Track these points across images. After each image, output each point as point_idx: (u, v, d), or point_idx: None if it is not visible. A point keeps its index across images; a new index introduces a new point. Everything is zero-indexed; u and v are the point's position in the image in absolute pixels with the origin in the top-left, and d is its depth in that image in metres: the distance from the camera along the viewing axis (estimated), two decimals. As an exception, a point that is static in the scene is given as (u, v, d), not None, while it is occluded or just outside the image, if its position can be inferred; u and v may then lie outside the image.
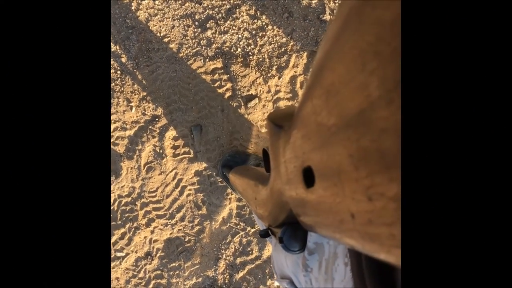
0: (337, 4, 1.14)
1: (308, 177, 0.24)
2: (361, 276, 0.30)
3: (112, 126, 1.18)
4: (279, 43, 1.16)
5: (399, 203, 0.15)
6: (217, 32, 1.17)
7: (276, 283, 0.59)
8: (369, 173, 0.17)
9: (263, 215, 0.48)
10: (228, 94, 1.18)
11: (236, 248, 1.20)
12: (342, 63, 0.18)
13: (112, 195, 1.19)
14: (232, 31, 1.17)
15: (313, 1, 1.14)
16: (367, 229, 0.18)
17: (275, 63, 1.17)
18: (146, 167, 1.19)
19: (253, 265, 1.20)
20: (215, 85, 1.18)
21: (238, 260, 1.20)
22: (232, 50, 1.17)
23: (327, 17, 1.15)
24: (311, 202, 0.25)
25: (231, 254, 1.20)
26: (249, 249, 1.20)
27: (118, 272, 1.22)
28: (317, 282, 0.43)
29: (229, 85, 1.18)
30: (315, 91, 0.21)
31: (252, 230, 1.20)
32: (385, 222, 0.17)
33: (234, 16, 1.16)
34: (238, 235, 1.20)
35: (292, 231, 0.39)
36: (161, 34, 1.16)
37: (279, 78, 1.17)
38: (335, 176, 0.20)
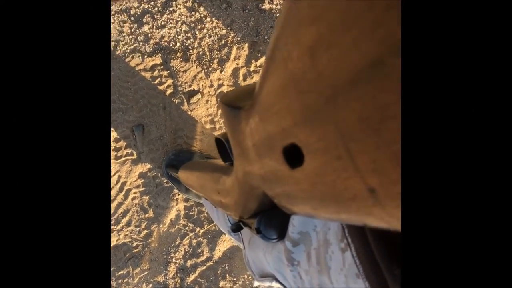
0: (276, -8, 1.10)
1: (291, 156, 0.21)
2: (370, 259, 0.26)
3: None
4: (219, 35, 1.12)
5: None
6: (154, 27, 1.12)
7: (256, 284, 0.55)
8: (395, 133, 0.13)
9: (230, 206, 0.45)
10: (169, 90, 1.13)
11: (186, 250, 1.16)
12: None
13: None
14: (170, 25, 1.12)
15: (252, -9, 1.10)
16: (396, 202, 0.15)
17: (216, 56, 1.13)
18: (87, 172, 1.13)
19: (204, 267, 1.16)
20: (156, 82, 1.13)
21: (189, 262, 1.16)
22: (171, 45, 1.12)
23: (266, 6, 1.11)
24: (299, 183, 0.21)
25: (181, 257, 1.16)
26: (199, 250, 1.16)
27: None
28: (307, 275, 0.39)
29: (170, 81, 1.13)
30: (290, 54, 0.17)
31: (202, 230, 1.16)
32: None
33: (171, 9, 1.12)
34: (187, 237, 1.16)
35: (267, 219, 0.38)
36: (94, 31, 1.11)
37: (221, 71, 1.13)
38: (338, 148, 0.16)
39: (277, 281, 0.49)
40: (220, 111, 1.14)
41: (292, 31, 0.17)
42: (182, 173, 0.76)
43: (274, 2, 1.11)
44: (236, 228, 0.43)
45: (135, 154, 1.13)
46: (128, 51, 1.12)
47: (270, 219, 0.38)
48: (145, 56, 1.12)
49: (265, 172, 0.26)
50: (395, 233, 0.24)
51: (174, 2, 1.11)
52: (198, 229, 1.15)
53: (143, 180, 1.14)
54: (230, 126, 0.29)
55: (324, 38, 0.15)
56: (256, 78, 1.13)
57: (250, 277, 1.17)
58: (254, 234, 0.42)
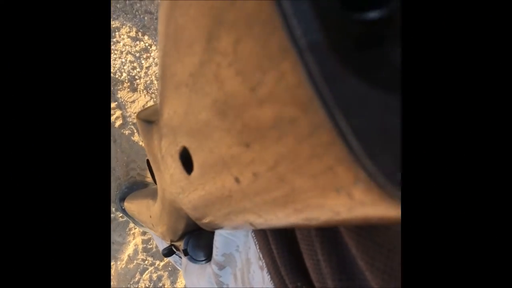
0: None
1: (189, 163, 0.20)
2: (277, 272, 0.26)
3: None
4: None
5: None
6: (98, 59, 1.10)
7: None
8: (237, 114, 0.13)
9: (162, 232, 0.43)
10: (118, 122, 1.11)
11: (147, 286, 1.11)
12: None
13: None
14: (115, 56, 1.10)
15: (195, 17, 1.10)
16: (254, 187, 0.14)
17: (164, 84, 1.11)
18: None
19: (167, 302, 1.12)
20: (103, 114, 1.10)
21: (150, 298, 1.11)
22: (117, 76, 1.11)
23: (211, 31, 1.11)
24: (196, 189, 0.20)
25: (141, 293, 1.11)
26: (160, 284, 1.12)
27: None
28: None
29: (118, 112, 1.11)
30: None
31: (162, 263, 1.12)
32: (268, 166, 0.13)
33: (114, 40, 1.10)
34: (147, 272, 1.11)
35: (195, 240, 0.37)
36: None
37: (170, 99, 1.12)
38: (207, 139, 0.16)
39: None
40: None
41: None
42: (126, 203, 0.74)
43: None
44: (167, 253, 0.41)
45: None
46: (73, 85, 1.09)
47: (197, 240, 0.37)
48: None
49: (175, 186, 0.25)
50: (296, 242, 0.23)
51: (117, 33, 1.10)
52: (157, 262, 1.12)
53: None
54: (145, 140, 0.29)
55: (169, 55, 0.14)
56: (206, 103, 1.12)
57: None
58: (182, 257, 0.40)
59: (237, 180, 0.14)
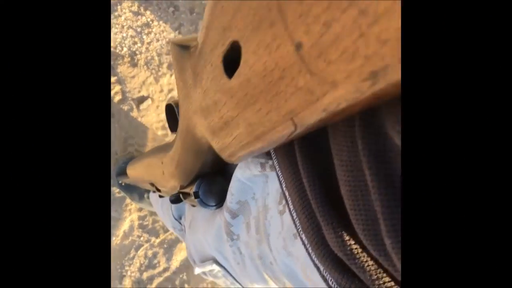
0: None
1: (229, 68, 0.20)
2: (308, 212, 0.24)
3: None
4: (167, 39, 1.10)
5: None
6: (99, 32, 1.09)
7: (197, 271, 0.52)
8: None
9: (171, 177, 0.43)
10: (117, 97, 1.10)
11: (142, 262, 1.11)
12: None
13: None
14: (116, 30, 1.09)
15: (198, -6, 1.10)
16: (322, 57, 0.14)
17: (165, 60, 1.11)
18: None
19: (161, 278, 1.11)
20: (102, 89, 1.09)
21: (145, 275, 1.11)
22: (117, 50, 1.09)
23: (214, 8, 1.11)
24: (236, 94, 0.20)
25: (136, 269, 1.10)
26: (155, 261, 1.11)
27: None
28: (247, 248, 0.36)
29: (117, 87, 1.10)
30: None
31: (157, 240, 1.11)
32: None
33: (115, 13, 1.09)
34: (142, 248, 1.11)
35: (207, 184, 0.37)
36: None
37: (171, 76, 1.11)
38: (271, 12, 0.15)
39: (218, 263, 0.46)
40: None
41: None
42: (129, 168, 0.73)
43: (222, 5, 1.10)
44: (175, 199, 0.41)
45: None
46: (73, 58, 1.08)
47: (210, 185, 0.37)
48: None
49: (207, 104, 0.24)
50: (338, 189, 0.22)
51: (118, 7, 1.09)
52: (153, 239, 1.11)
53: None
54: (178, 65, 0.28)
55: None
56: (207, 81, 1.12)
57: (209, 285, 1.13)
58: (193, 204, 0.40)
59: (298, 45, 0.14)
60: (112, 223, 1.10)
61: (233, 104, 0.21)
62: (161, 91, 1.11)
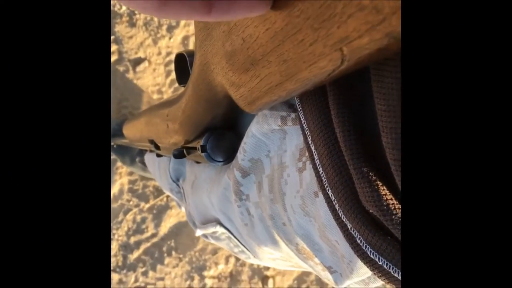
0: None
1: None
2: (335, 161, 0.23)
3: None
4: None
5: None
6: (98, -12, 1.05)
7: (199, 232, 0.51)
8: None
9: (177, 130, 0.41)
10: (114, 57, 1.07)
11: (130, 226, 1.09)
12: None
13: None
14: (115, -13, 1.05)
15: (203, -45, 1.06)
16: None
17: (165, 22, 1.07)
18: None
19: (149, 244, 1.10)
20: (98, 47, 1.06)
21: (132, 239, 1.09)
22: (115, 9, 1.06)
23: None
24: (275, 22, 0.18)
25: (124, 233, 1.09)
26: (143, 226, 1.10)
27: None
28: (257, 209, 0.35)
29: (114, 47, 1.07)
30: None
31: (147, 206, 1.10)
32: None
33: (116, -30, 1.05)
34: (131, 212, 1.09)
35: (216, 139, 0.35)
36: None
37: (170, 38, 1.08)
38: None
39: (221, 225, 0.45)
40: (168, 81, 1.09)
41: None
42: (126, 127, 0.71)
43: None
44: (178, 154, 0.39)
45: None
46: (69, 13, 1.04)
47: (218, 139, 0.35)
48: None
49: (232, 42, 0.23)
50: (373, 141, 0.21)
51: (120, -37, 1.05)
52: (142, 204, 1.09)
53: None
54: None
55: None
56: (206, 47, 1.09)
57: (197, 253, 1.12)
58: (199, 161, 0.38)
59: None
60: (102, 185, 1.08)
61: (268, 37, 0.19)
62: (159, 53, 1.08)
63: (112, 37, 1.06)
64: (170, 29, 1.08)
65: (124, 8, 1.06)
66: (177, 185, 0.61)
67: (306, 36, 0.17)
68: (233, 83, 0.25)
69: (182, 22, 1.08)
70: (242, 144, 0.33)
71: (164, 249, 1.10)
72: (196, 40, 0.29)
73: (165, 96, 1.09)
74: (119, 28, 1.06)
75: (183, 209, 0.90)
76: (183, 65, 0.38)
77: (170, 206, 1.10)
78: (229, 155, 0.35)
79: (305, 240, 0.30)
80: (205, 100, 0.31)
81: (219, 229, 0.45)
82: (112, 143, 1.04)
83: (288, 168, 0.29)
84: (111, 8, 1.05)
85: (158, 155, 0.56)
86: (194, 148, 0.37)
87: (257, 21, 0.20)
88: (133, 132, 0.64)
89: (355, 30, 0.14)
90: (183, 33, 1.08)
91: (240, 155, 0.34)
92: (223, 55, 0.25)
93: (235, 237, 0.43)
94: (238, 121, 0.36)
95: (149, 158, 0.78)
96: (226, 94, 0.28)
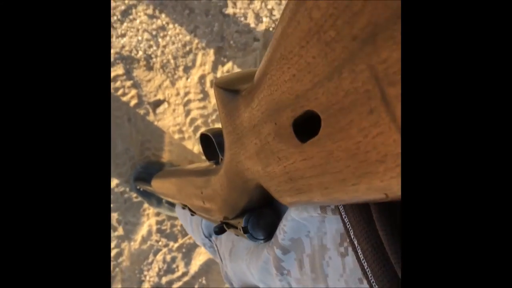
0: (239, -4, 1.09)
1: (300, 130, 0.19)
2: (381, 259, 0.23)
3: None
4: (182, 42, 1.09)
5: None
6: (114, 36, 1.08)
7: None
8: None
9: (213, 208, 0.42)
10: (133, 101, 1.09)
11: (160, 267, 1.11)
12: None
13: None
14: (131, 34, 1.08)
15: (214, -5, 1.08)
16: None
17: (181, 63, 1.09)
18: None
19: (180, 283, 1.11)
20: (119, 93, 1.08)
21: (164, 279, 1.11)
22: (133, 54, 1.08)
23: (229, 10, 1.09)
24: (310, 158, 0.19)
25: (155, 274, 1.10)
26: (174, 266, 1.11)
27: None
28: (299, 284, 0.36)
29: (133, 91, 1.09)
30: (317, 2, 0.15)
31: (176, 245, 1.11)
32: None
33: (130, 17, 1.08)
34: (160, 253, 1.10)
35: (255, 218, 0.36)
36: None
37: (187, 79, 1.10)
38: (371, 99, 0.14)
39: None
40: (188, 120, 1.11)
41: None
42: (155, 182, 0.72)
43: (238, 6, 1.09)
44: (219, 230, 0.40)
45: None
46: (88, 62, 1.07)
47: (258, 219, 0.36)
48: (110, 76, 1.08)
49: (267, 155, 0.23)
50: None
51: (133, 10, 1.08)
52: (171, 243, 1.11)
53: (110, 197, 1.08)
54: (226, 110, 0.27)
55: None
56: (223, 84, 1.10)
57: (229, 289, 1.13)
58: (239, 235, 0.39)
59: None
60: (130, 228, 1.10)
61: (305, 166, 0.20)
62: (177, 94, 1.10)
63: (131, 82, 1.09)
64: (187, 69, 1.10)
65: (141, 52, 1.08)
66: (210, 240, 0.62)
67: (348, 178, 0.17)
68: (271, 187, 0.26)
69: (198, 62, 1.10)
70: (281, 226, 0.34)
71: (196, 287, 1.11)
72: (225, 138, 0.30)
73: (186, 136, 1.11)
74: (137, 73, 1.09)
75: (217, 259, 0.91)
76: (209, 142, 0.39)
77: (198, 244, 1.11)
78: (269, 233, 0.36)
79: None
80: (241, 189, 0.32)
81: None
82: (138, 187, 1.06)
83: (330, 251, 0.30)
84: (128, 53, 1.08)
85: (192, 214, 0.58)
86: (235, 226, 0.38)
87: (292, 148, 0.20)
88: (163, 190, 0.65)
89: (397, 186, 0.15)
90: (199, 72, 1.10)
91: (280, 235, 0.34)
92: (258, 162, 0.25)
93: None
94: (274, 199, 0.37)
95: (180, 211, 0.79)
96: (261, 186, 0.29)
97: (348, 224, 0.25)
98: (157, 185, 0.70)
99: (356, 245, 0.24)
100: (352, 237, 0.25)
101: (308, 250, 0.33)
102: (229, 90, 0.26)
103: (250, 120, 0.24)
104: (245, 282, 0.49)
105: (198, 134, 1.11)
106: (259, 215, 0.36)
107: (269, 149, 0.23)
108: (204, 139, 0.39)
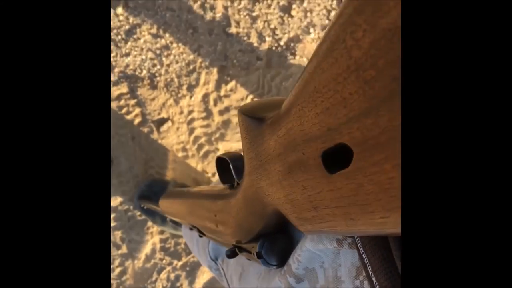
0: (241, 16, 1.10)
1: (328, 161, 0.20)
2: None
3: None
4: (186, 61, 1.10)
5: None
6: (119, 55, 1.09)
7: None
8: None
9: (226, 231, 0.42)
10: (137, 120, 1.10)
11: (164, 285, 1.10)
12: None
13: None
14: (135, 53, 1.09)
15: (217, 15, 1.10)
16: None
17: (185, 82, 1.10)
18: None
19: (184, 301, 1.11)
20: (123, 111, 1.09)
21: (168, 298, 1.10)
22: (137, 73, 1.09)
23: (233, 29, 1.10)
24: (338, 190, 0.19)
25: (159, 293, 1.10)
26: (178, 284, 1.11)
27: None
28: None
29: (137, 110, 1.10)
30: (358, 42, 0.15)
31: (180, 263, 1.11)
32: None
33: (135, 36, 1.09)
34: (164, 271, 1.10)
35: (269, 244, 0.36)
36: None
37: (190, 97, 1.11)
38: None
39: None
40: (192, 138, 1.11)
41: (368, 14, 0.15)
42: (163, 202, 0.72)
43: (241, 26, 1.10)
44: (231, 254, 0.40)
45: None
46: (92, 81, 1.08)
47: (272, 244, 0.36)
48: (110, 85, 1.09)
49: (290, 184, 0.24)
50: None
51: (138, 29, 1.09)
52: (175, 262, 1.10)
53: (114, 215, 1.08)
54: (249, 137, 0.28)
55: None
56: (227, 103, 1.11)
57: (233, 308, 1.12)
58: (251, 260, 0.39)
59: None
60: (134, 246, 1.10)
61: (331, 196, 0.20)
62: (181, 112, 1.11)
63: (135, 100, 1.10)
64: (190, 88, 1.11)
65: (145, 71, 1.09)
66: (216, 263, 0.62)
67: (377, 211, 0.18)
68: (291, 214, 0.26)
69: (201, 81, 1.11)
70: (295, 255, 0.34)
71: (200, 305, 1.11)
72: (246, 164, 0.30)
73: (190, 154, 1.11)
74: (141, 91, 1.10)
75: (223, 282, 0.91)
76: (224, 165, 0.40)
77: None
78: (283, 259, 0.36)
79: None
80: (259, 214, 0.32)
81: None
82: (142, 205, 1.06)
83: (344, 284, 0.30)
84: (132, 72, 1.09)
85: (201, 236, 0.58)
86: (247, 250, 0.38)
87: (319, 178, 0.21)
88: (171, 211, 0.66)
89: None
90: (203, 91, 1.11)
91: (294, 264, 0.35)
92: (279, 189, 0.26)
93: None
94: (289, 225, 0.37)
95: (185, 232, 0.79)
96: (279, 212, 0.29)
97: (366, 259, 0.25)
98: (165, 205, 0.71)
99: (374, 281, 0.25)
100: (370, 272, 0.25)
101: (322, 281, 0.33)
102: (254, 117, 0.27)
103: (276, 148, 0.24)
104: None
105: (201, 153, 1.11)
106: (273, 240, 0.36)
107: (292, 177, 0.23)
108: (220, 163, 0.40)
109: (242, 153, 0.30)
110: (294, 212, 0.25)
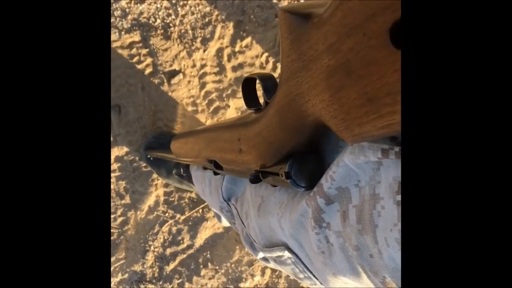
0: (262, -30, 1.07)
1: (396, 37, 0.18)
2: None
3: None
4: (202, 13, 1.07)
5: None
6: (133, 2, 1.06)
7: (261, 255, 0.52)
8: None
9: (249, 159, 0.41)
10: (148, 70, 1.07)
11: (165, 238, 1.10)
12: None
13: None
14: (150, 0, 1.06)
15: (237, -33, 1.06)
16: None
17: (199, 34, 1.08)
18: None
19: (184, 255, 1.10)
20: (134, 60, 1.07)
21: (168, 251, 1.10)
22: (150, 21, 1.07)
23: (253, -16, 1.07)
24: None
25: (159, 245, 1.10)
26: (179, 238, 1.10)
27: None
28: (339, 238, 0.34)
29: (149, 60, 1.07)
30: None
31: (182, 217, 1.10)
32: None
33: (151, -17, 1.06)
34: (166, 224, 1.10)
35: (298, 164, 0.35)
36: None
37: (204, 51, 1.08)
38: None
39: (289, 250, 0.45)
40: (203, 93, 1.09)
41: None
42: (176, 142, 0.71)
43: (260, -20, 1.07)
44: (254, 179, 0.39)
45: (111, 137, 1.06)
46: (105, 27, 1.05)
47: (302, 164, 0.35)
48: (122, 32, 1.06)
49: (340, 78, 0.22)
50: None
51: (155, -23, 1.06)
52: (178, 215, 1.10)
53: (119, 164, 1.07)
54: (292, 36, 0.26)
55: None
56: (241, 59, 1.09)
57: (233, 265, 1.12)
58: (277, 184, 0.38)
59: None
60: (138, 197, 1.09)
61: (396, 77, 0.19)
62: (194, 66, 1.09)
63: (147, 50, 1.07)
64: (204, 41, 1.08)
65: (158, 20, 1.07)
66: (228, 204, 0.61)
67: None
68: (336, 117, 0.24)
69: (216, 35, 1.08)
70: (329, 172, 0.33)
71: (200, 260, 1.11)
72: (285, 69, 0.28)
73: (200, 108, 1.10)
74: (154, 41, 1.07)
75: (223, 223, 0.90)
76: (251, 88, 0.38)
77: (205, 218, 1.10)
78: (312, 180, 0.35)
79: (395, 273, 0.29)
80: (292, 128, 0.31)
81: (286, 254, 0.44)
82: (148, 156, 1.05)
83: (383, 200, 0.29)
84: (146, 20, 1.06)
85: (216, 173, 0.56)
86: (273, 173, 0.36)
87: (382, 59, 0.19)
88: (185, 150, 0.64)
89: None
90: (217, 45, 1.08)
91: (326, 183, 0.33)
92: (325, 89, 0.24)
93: (302, 262, 0.43)
94: (320, 145, 0.36)
95: (197, 174, 0.77)
96: (319, 123, 0.28)
97: None
98: (177, 145, 0.69)
99: None
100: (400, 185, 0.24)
101: (356, 201, 0.32)
102: (300, 14, 0.25)
103: (326, 39, 0.23)
104: (271, 239, 0.48)
105: (211, 108, 1.10)
106: (303, 161, 0.34)
107: (346, 67, 0.22)
108: (247, 85, 0.38)
109: (281, 58, 0.29)
110: (341, 113, 0.24)
